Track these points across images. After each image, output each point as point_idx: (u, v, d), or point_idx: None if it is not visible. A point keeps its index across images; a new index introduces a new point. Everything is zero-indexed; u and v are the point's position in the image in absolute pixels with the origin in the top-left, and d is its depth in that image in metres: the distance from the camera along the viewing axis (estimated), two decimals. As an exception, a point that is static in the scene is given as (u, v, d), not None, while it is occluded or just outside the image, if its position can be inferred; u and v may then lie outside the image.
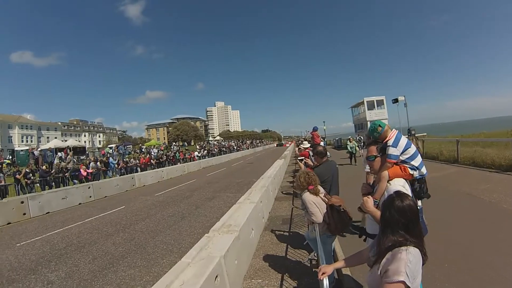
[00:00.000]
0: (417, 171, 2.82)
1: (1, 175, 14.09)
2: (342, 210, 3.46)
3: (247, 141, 75.32)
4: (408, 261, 1.58)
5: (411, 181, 2.84)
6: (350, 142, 18.93)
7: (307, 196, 3.72)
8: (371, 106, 37.45)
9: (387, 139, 2.79)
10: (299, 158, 9.32)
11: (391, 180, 2.63)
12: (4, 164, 23.74)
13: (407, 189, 2.55)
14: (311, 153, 7.48)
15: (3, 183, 13.45)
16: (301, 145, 10.72)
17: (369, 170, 3.71)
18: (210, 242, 3.85)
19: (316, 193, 3.72)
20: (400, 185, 2.56)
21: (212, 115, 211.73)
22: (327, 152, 5.09)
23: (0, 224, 9.85)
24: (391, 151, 2.71)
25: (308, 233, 4.45)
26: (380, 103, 36.84)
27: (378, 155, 2.74)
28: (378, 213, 2.16)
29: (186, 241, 6.79)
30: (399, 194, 1.84)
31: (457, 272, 3.89)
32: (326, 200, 3.68)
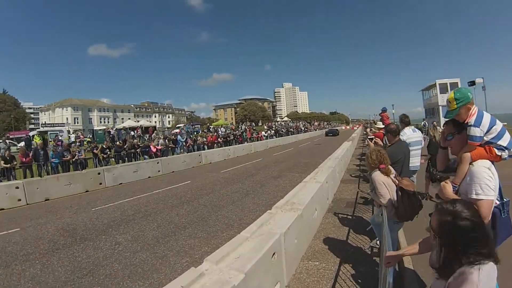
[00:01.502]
0: (506, 151, 2.40)
1: (82, 150, 16.70)
2: (413, 194, 3.38)
3: (315, 123, 76.04)
4: (480, 282, 1.39)
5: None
6: (435, 129, 15.09)
7: (377, 175, 3.68)
8: (443, 89, 35.94)
9: (468, 116, 2.43)
10: (369, 137, 9.41)
11: (474, 161, 2.32)
12: (85, 142, 28.27)
13: (493, 173, 2.22)
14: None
15: (83, 156, 15.91)
16: (374, 126, 10.72)
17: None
18: (272, 219, 4.03)
19: (387, 173, 3.68)
20: (485, 167, 2.24)
21: (280, 96, 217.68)
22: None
23: (79, 192, 11.92)
24: (473, 131, 2.35)
25: (373, 217, 4.42)
26: (454, 86, 34.10)
27: (456, 133, 2.45)
28: None
29: (248, 217, 7.23)
30: (454, 212, 1.54)
31: None
32: (397, 182, 3.62)
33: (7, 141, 21.37)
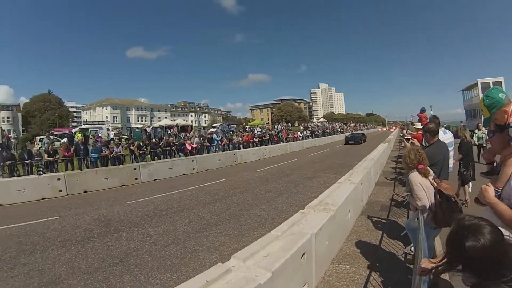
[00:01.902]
0: None
1: (120, 146, 17.53)
2: (452, 198, 3.25)
3: (351, 124, 75.03)
4: None
5: None
6: (479, 130, 14.00)
7: (415, 176, 3.56)
8: (486, 89, 32.46)
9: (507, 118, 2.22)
10: (405, 137, 9.50)
11: None
12: (123, 139, 29.68)
13: None
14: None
15: (121, 152, 16.70)
16: (412, 127, 10.65)
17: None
18: (304, 219, 4.03)
19: (426, 174, 3.55)
20: None
21: (316, 97, 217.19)
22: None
23: (115, 186, 12.62)
24: None
25: (409, 222, 4.31)
26: (497, 85, 30.58)
27: (497, 131, 2.28)
28: (500, 205, 1.98)
29: (280, 216, 7.23)
30: (470, 228, 1.39)
31: None
32: (435, 184, 3.46)
33: (50, 136, 22.95)
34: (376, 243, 5.22)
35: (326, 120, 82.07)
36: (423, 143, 5.54)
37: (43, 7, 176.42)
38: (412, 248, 4.39)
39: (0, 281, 4.75)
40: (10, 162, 13.36)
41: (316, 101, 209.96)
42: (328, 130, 48.43)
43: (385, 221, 6.47)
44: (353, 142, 33.15)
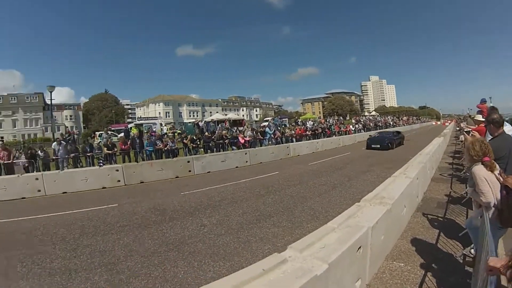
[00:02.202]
0: None
1: (174, 140, 18.26)
2: None
3: (403, 117, 71.41)
4: None
5: None
6: None
7: (479, 169, 3.28)
8: None
9: None
10: (465, 130, 9.21)
11: None
12: (176, 133, 30.95)
13: None
14: None
15: (174, 146, 17.37)
16: (471, 119, 10.21)
17: None
18: (360, 211, 3.98)
19: (492, 167, 3.27)
20: None
21: (367, 90, 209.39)
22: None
23: (170, 177, 13.21)
24: None
25: (470, 220, 4.07)
26: None
27: None
28: None
29: (334, 210, 7.11)
30: None
31: None
32: (501, 179, 3.19)
33: (108, 132, 24.65)
34: (432, 242, 4.94)
35: (377, 114, 79.39)
36: (486, 136, 5.09)
37: (95, 17, 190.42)
38: (472, 250, 4.10)
39: (64, 260, 5.23)
40: (74, 154, 14.63)
41: (367, 94, 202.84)
42: (380, 124, 46.68)
43: (442, 219, 6.10)
44: (378, 146, 20.82)
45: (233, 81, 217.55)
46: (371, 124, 43.27)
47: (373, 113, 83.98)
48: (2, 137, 53.19)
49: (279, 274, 2.36)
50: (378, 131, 31.34)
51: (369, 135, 25.05)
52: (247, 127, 28.22)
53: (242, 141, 20.56)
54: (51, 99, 23.83)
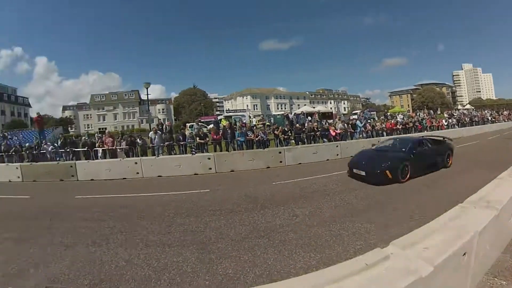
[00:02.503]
0: None
1: (265, 131, 18.63)
2: None
3: (504, 112, 60.25)
4: None
5: None
6: None
7: None
8: None
9: None
10: None
11: None
12: (265, 125, 31.68)
13: None
14: None
15: (266, 137, 17.69)
16: None
17: None
18: (464, 214, 3.77)
19: None
20: None
21: (459, 80, 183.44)
22: None
23: (260, 167, 13.56)
24: None
25: None
26: None
27: None
28: None
29: (430, 209, 6.40)
30: None
31: None
32: None
33: (199, 123, 26.36)
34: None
35: (472, 107, 70.48)
36: None
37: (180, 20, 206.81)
38: None
39: (159, 235, 5.85)
40: (168, 143, 15.99)
41: (459, 85, 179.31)
42: (476, 119, 40.82)
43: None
44: (363, 174, 9.81)
45: (319, 73, 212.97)
46: (466, 119, 38.54)
47: (467, 106, 75.22)
48: (105, 128, 62.87)
49: (381, 271, 2.36)
50: (391, 137, 17.89)
51: (362, 148, 14.22)
52: (338, 120, 27.59)
53: (333, 133, 20.12)
54: (147, 94, 26.21)
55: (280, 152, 14.50)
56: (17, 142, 22.91)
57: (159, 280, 4.21)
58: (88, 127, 76.64)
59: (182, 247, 5.17)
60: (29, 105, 79.22)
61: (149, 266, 4.62)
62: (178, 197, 8.80)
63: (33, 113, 66.12)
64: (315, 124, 21.66)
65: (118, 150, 16.18)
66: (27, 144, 19.66)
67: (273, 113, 65.65)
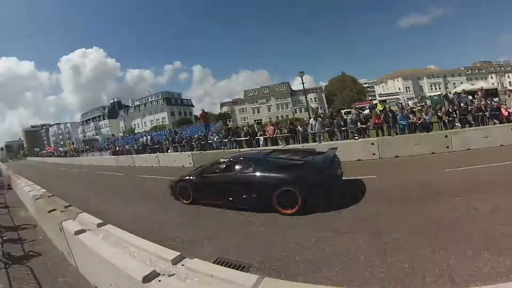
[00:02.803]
0: None
1: (429, 113, 16.71)
2: None
3: None
4: None
5: None
6: None
7: None
8: None
9: None
10: None
11: None
12: (425, 106, 28.23)
13: None
14: None
15: (429, 119, 15.88)
16: None
17: None
18: None
19: None
20: None
21: None
22: None
23: (425, 152, 12.11)
24: None
25: None
26: None
27: None
28: None
29: None
30: None
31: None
32: None
33: (353, 110, 25.48)
34: None
35: None
36: None
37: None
38: None
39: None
40: (328, 129, 16.35)
41: None
42: None
43: None
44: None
45: (475, 44, 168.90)
46: None
47: None
48: (261, 120, 70.26)
49: None
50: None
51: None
52: (509, 96, 22.30)
53: (506, 113, 16.42)
54: (302, 82, 27.13)
55: (446, 136, 12.53)
56: (188, 135, 27.23)
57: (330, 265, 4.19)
58: (244, 120, 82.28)
59: (355, 233, 5.06)
60: (192, 105, 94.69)
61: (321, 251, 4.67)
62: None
63: (196, 112, 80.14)
64: (483, 103, 18.16)
65: (279, 138, 17.38)
66: (195, 136, 23.34)
67: (428, 94, 57.93)
